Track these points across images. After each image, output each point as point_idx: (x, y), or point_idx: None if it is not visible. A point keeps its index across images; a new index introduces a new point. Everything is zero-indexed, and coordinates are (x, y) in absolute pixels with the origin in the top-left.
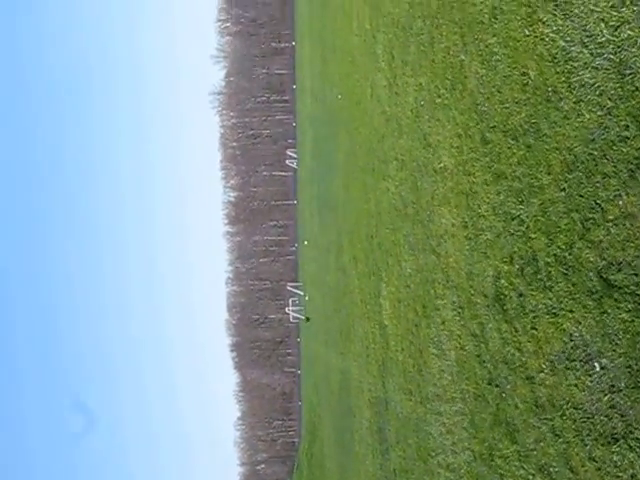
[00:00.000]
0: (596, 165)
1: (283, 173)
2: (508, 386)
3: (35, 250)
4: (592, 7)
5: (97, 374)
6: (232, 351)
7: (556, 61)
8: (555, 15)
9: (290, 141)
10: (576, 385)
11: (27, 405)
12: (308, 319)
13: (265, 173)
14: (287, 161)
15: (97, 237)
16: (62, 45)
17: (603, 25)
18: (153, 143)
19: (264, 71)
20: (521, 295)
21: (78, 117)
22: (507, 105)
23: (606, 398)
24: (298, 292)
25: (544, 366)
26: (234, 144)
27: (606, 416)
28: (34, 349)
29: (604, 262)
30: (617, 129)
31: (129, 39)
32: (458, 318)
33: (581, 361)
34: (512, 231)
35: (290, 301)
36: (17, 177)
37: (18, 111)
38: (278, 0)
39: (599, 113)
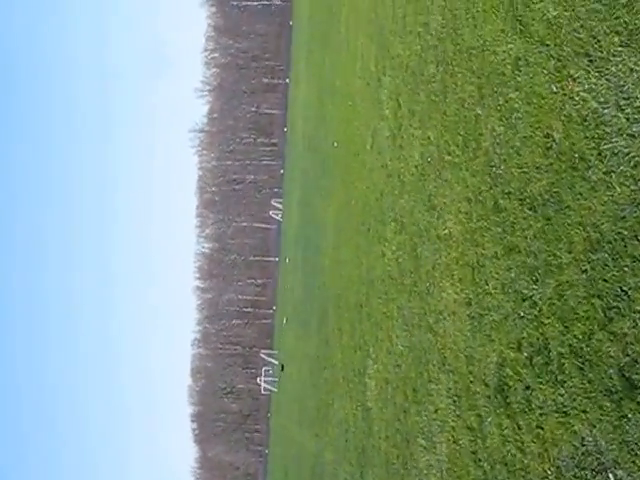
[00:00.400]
0: (625, 246)
1: (265, 225)
2: None
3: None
4: (632, 65)
5: (41, 440)
6: (193, 421)
7: (586, 124)
8: (588, 72)
9: (276, 190)
10: None
11: None
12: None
13: (245, 224)
14: (271, 212)
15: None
16: (38, 83)
17: None
18: (125, 180)
19: (252, 109)
20: (528, 388)
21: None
22: (526, 170)
23: None
24: (272, 361)
25: (549, 472)
26: (213, 189)
27: None
28: None
29: (627, 358)
30: None
31: (103, 65)
32: (453, 407)
33: (593, 470)
34: (522, 314)
35: (263, 370)
36: None
37: None
38: (273, 31)
39: (632, 187)
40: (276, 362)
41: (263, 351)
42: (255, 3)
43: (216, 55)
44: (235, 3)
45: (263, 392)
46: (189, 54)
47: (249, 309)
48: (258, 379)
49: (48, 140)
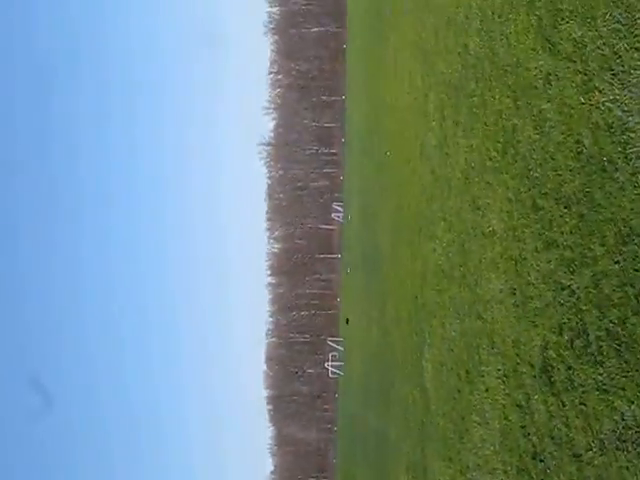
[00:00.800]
0: None
1: (328, 227)
2: (554, 462)
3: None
4: None
5: (145, 430)
6: (269, 404)
7: (612, 131)
8: (612, 84)
9: (337, 195)
10: (627, 468)
11: None
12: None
13: (310, 226)
14: (333, 214)
15: (140, 298)
16: (116, 88)
17: None
18: (200, 191)
19: (313, 124)
20: (570, 368)
21: (126, 160)
22: (560, 172)
23: None
24: (338, 347)
25: (593, 444)
26: (280, 195)
27: None
28: None
29: None
30: None
31: (178, 88)
32: (503, 387)
33: (634, 443)
34: (562, 301)
35: (330, 356)
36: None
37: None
38: (329, 54)
39: None
40: (342, 348)
41: (330, 339)
42: (312, 30)
43: (280, 77)
44: (294, 31)
45: (331, 376)
46: (256, 77)
47: (316, 301)
48: (326, 364)
49: (132, 158)
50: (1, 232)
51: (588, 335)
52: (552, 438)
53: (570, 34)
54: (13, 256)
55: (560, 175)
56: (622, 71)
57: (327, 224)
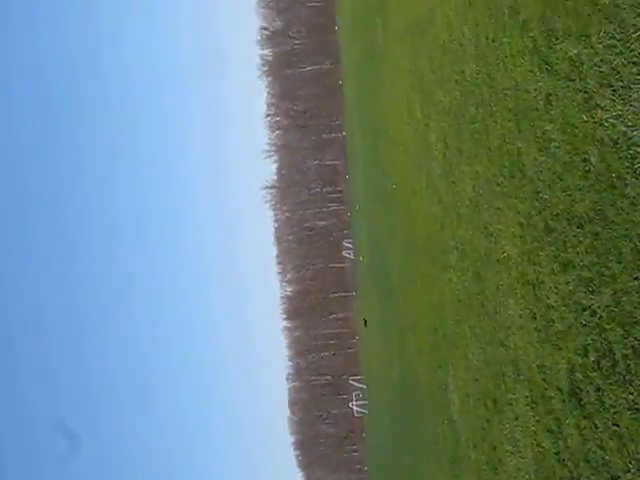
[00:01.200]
0: None
1: (340, 264)
2: None
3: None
4: None
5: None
6: (296, 449)
7: (618, 146)
8: (613, 100)
9: (345, 232)
10: None
11: None
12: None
13: (321, 265)
14: (343, 252)
15: (160, 338)
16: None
17: None
18: (207, 241)
19: (315, 162)
20: (599, 389)
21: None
22: (569, 192)
23: None
24: (361, 386)
25: (630, 465)
26: (289, 237)
27: None
28: None
29: None
30: None
31: (177, 136)
32: (532, 413)
33: None
34: (584, 322)
35: (353, 395)
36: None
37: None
38: (326, 92)
39: None
40: (364, 386)
41: (351, 377)
42: (307, 68)
43: (278, 118)
44: (289, 71)
45: (356, 415)
46: (254, 121)
47: (334, 341)
48: (350, 403)
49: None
50: (29, 293)
51: (614, 354)
52: (588, 462)
53: (566, 53)
54: (42, 300)
55: (570, 195)
56: (622, 86)
57: (338, 262)
